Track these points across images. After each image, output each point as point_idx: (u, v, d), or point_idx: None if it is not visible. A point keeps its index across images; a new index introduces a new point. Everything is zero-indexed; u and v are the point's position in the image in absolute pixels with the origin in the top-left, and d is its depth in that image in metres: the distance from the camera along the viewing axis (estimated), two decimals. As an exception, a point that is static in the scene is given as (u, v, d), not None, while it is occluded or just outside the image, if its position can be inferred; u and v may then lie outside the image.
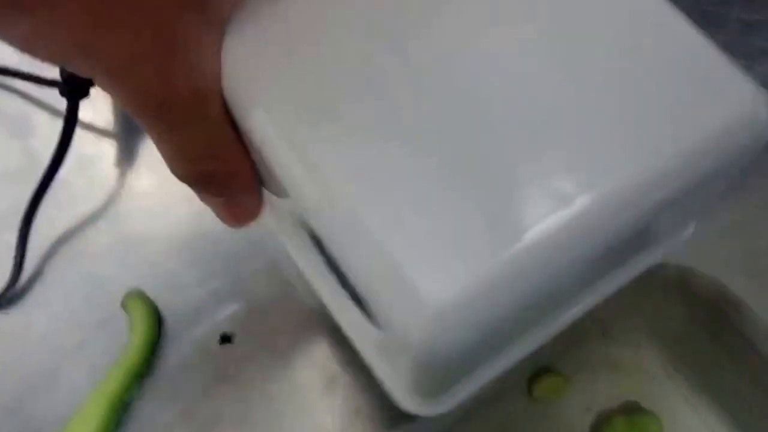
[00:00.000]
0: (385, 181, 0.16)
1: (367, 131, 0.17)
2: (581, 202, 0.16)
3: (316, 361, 0.34)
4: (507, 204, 0.16)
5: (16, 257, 0.36)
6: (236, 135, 0.20)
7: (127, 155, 0.40)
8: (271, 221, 0.25)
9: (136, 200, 0.38)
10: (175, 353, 0.34)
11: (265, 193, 0.22)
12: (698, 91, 0.18)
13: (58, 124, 0.34)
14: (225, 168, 0.21)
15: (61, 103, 0.35)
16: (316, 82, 0.18)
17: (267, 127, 0.18)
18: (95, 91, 0.35)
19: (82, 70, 0.18)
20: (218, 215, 0.22)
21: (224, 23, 0.19)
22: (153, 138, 0.19)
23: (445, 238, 0.16)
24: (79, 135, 0.37)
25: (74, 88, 0.34)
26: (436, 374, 0.18)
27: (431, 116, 0.17)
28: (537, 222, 0.16)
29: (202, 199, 0.22)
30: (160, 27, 0.17)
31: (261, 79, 0.18)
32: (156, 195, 0.38)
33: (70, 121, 0.34)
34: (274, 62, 0.19)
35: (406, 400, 0.22)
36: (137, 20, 0.17)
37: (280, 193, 0.20)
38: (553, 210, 0.16)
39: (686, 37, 0.18)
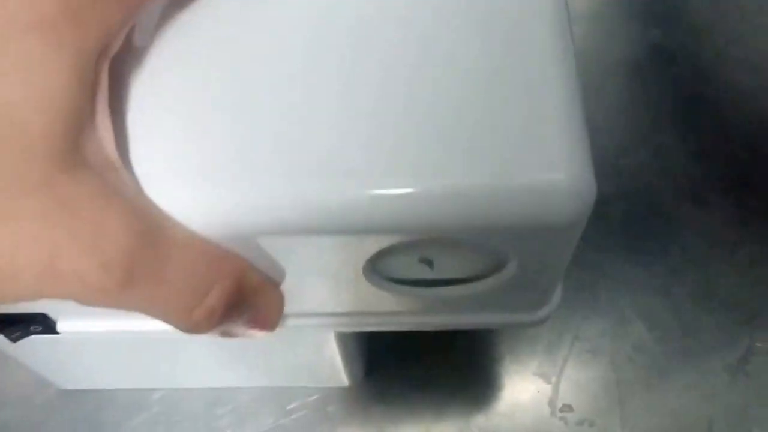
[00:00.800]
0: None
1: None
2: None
3: None
4: None
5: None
6: (213, 247, 0.18)
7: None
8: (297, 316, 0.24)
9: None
10: None
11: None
12: (525, 136, 0.18)
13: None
14: (232, 281, 0.19)
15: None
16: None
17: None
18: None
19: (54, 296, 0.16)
20: (250, 335, 0.21)
21: (106, 149, 0.17)
22: (152, 313, 0.17)
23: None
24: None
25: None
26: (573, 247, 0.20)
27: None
28: None
29: (229, 335, 0.20)
30: (49, 212, 0.15)
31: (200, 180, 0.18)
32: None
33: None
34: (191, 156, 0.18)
35: (538, 311, 0.24)
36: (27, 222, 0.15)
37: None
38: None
39: (553, 87, 0.18)
